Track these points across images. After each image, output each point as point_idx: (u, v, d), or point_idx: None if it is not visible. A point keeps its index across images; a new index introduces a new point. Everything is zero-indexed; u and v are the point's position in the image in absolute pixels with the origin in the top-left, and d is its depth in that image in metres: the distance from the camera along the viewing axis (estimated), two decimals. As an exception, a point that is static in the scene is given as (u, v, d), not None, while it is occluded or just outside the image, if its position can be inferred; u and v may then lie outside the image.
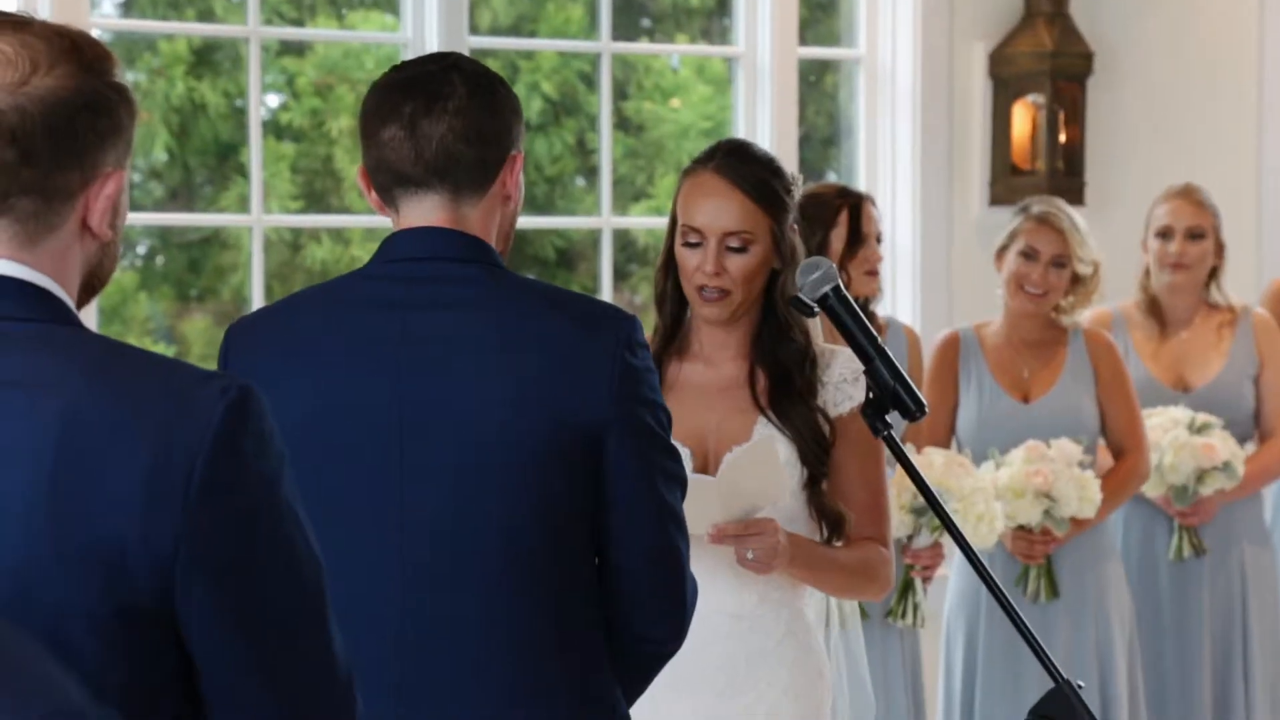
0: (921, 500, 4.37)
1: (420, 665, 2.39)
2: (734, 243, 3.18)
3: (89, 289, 1.82)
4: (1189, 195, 5.09)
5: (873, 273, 4.44)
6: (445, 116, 2.44)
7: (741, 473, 3.10)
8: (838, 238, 4.39)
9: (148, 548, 1.66)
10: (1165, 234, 5.09)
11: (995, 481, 4.59)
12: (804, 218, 4.29)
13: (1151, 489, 4.91)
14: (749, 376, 3.23)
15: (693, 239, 3.21)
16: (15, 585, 1.64)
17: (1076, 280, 4.74)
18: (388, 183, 2.47)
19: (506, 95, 2.50)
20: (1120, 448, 4.77)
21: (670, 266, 3.27)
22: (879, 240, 4.48)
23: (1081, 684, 2.72)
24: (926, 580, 4.52)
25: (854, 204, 4.45)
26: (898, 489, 4.37)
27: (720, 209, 3.18)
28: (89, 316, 4.85)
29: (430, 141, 2.43)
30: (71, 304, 1.77)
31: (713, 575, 3.07)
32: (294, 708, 1.76)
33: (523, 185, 2.55)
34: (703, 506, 3.05)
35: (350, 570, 2.40)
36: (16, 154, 1.73)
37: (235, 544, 1.71)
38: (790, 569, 3.15)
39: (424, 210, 2.47)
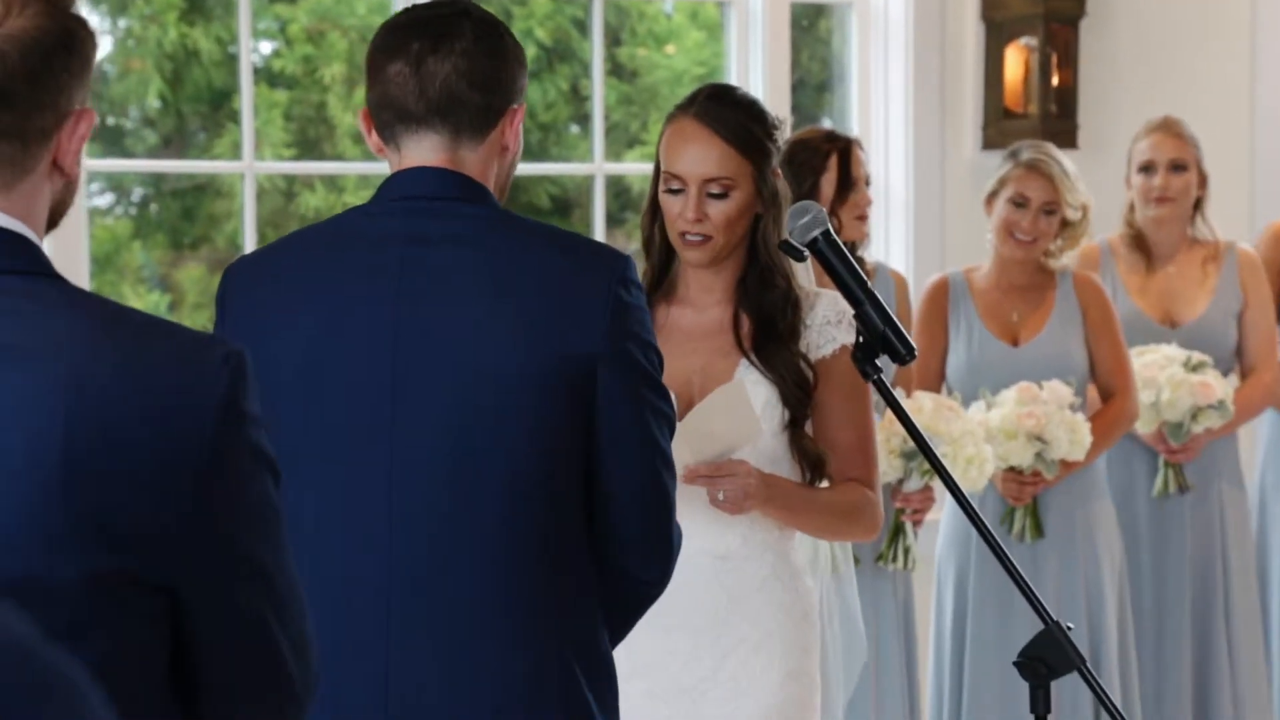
0: (911, 445, 4.38)
1: (412, 599, 2.41)
2: (714, 189, 3.19)
3: (50, 224, 1.81)
4: (1169, 128, 5.09)
5: (862, 217, 4.44)
6: (451, 57, 2.46)
7: (710, 416, 3.11)
8: (828, 183, 4.39)
9: (158, 517, 1.67)
10: (1148, 168, 5.10)
11: (987, 423, 4.61)
12: (793, 163, 4.31)
13: (1144, 425, 4.93)
14: (733, 320, 3.25)
15: (674, 185, 3.22)
16: (16, 542, 1.64)
17: (1066, 225, 4.75)
18: (390, 119, 2.49)
19: (514, 46, 2.52)
20: (1109, 389, 4.79)
21: (656, 212, 3.29)
22: (868, 184, 4.48)
23: (1070, 625, 2.74)
24: (917, 524, 4.54)
25: (843, 148, 4.45)
26: (887, 434, 4.38)
27: (700, 155, 3.19)
28: (81, 265, 4.85)
29: (435, 79, 2.45)
30: (43, 250, 1.76)
31: (695, 517, 3.09)
32: (304, 669, 1.78)
33: (521, 138, 2.57)
34: (674, 449, 3.07)
35: (343, 512, 2.42)
36: None
37: (245, 506, 1.72)
38: (766, 509, 3.16)
39: (424, 150, 2.48)
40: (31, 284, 1.72)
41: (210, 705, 1.76)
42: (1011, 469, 4.67)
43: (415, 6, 2.56)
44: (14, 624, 1.30)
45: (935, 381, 4.83)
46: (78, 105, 1.77)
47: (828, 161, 4.41)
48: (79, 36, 1.75)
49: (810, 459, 3.21)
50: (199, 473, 1.67)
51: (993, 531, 2.78)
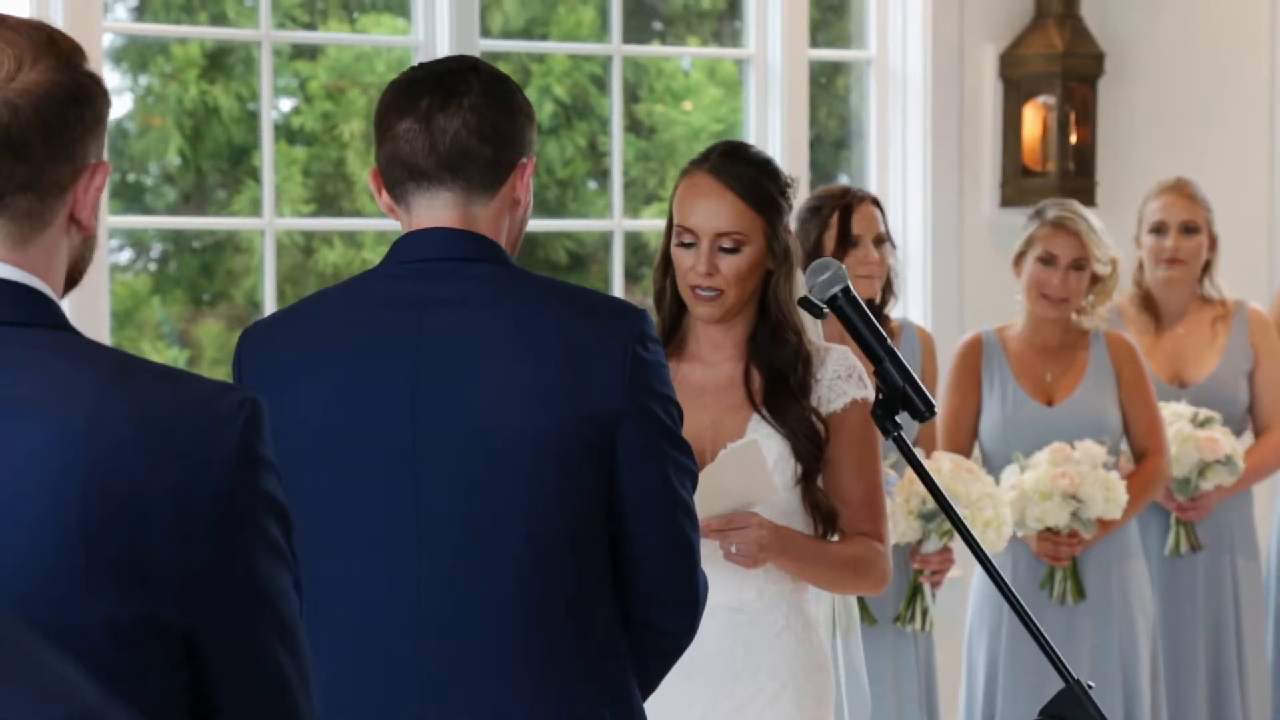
0: (929, 505, 4.37)
1: (441, 661, 2.40)
2: (726, 243, 3.21)
3: (70, 281, 1.82)
4: (1181, 189, 5.09)
5: (869, 275, 4.40)
6: (461, 112, 2.46)
7: (724, 473, 3.12)
8: (829, 239, 4.38)
9: (178, 562, 1.67)
10: (1159, 229, 5.09)
11: (1022, 484, 4.60)
12: (801, 220, 4.31)
13: None
14: (744, 376, 3.26)
15: (686, 239, 3.24)
16: (38, 596, 1.64)
17: (1096, 280, 4.75)
18: (400, 177, 2.49)
19: (522, 101, 2.53)
20: (1142, 449, 4.79)
21: (668, 266, 3.30)
22: (881, 242, 4.44)
23: (1092, 684, 2.73)
24: (935, 585, 4.52)
25: (845, 205, 4.43)
26: (906, 494, 4.37)
27: (713, 210, 3.21)
28: (101, 321, 4.86)
29: (445, 135, 2.46)
30: (60, 305, 1.77)
31: (711, 570, 3.08)
32: (311, 708, 1.78)
33: (532, 192, 2.57)
34: None
35: (369, 568, 2.43)
36: (11, 151, 1.72)
37: (260, 549, 1.72)
38: (779, 561, 3.17)
39: (435, 209, 2.48)
40: (47, 337, 1.72)
41: None
42: (1048, 529, 4.66)
43: (423, 64, 2.56)
44: (86, 688, 1.30)
45: (967, 440, 4.82)
46: (93, 159, 1.78)
47: (831, 218, 4.40)
48: (91, 91, 1.77)
49: (823, 512, 3.22)
50: (215, 517, 1.68)
51: (1015, 593, 2.77)
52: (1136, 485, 4.70)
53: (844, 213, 4.43)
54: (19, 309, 1.73)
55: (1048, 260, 4.72)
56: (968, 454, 4.78)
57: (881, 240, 4.46)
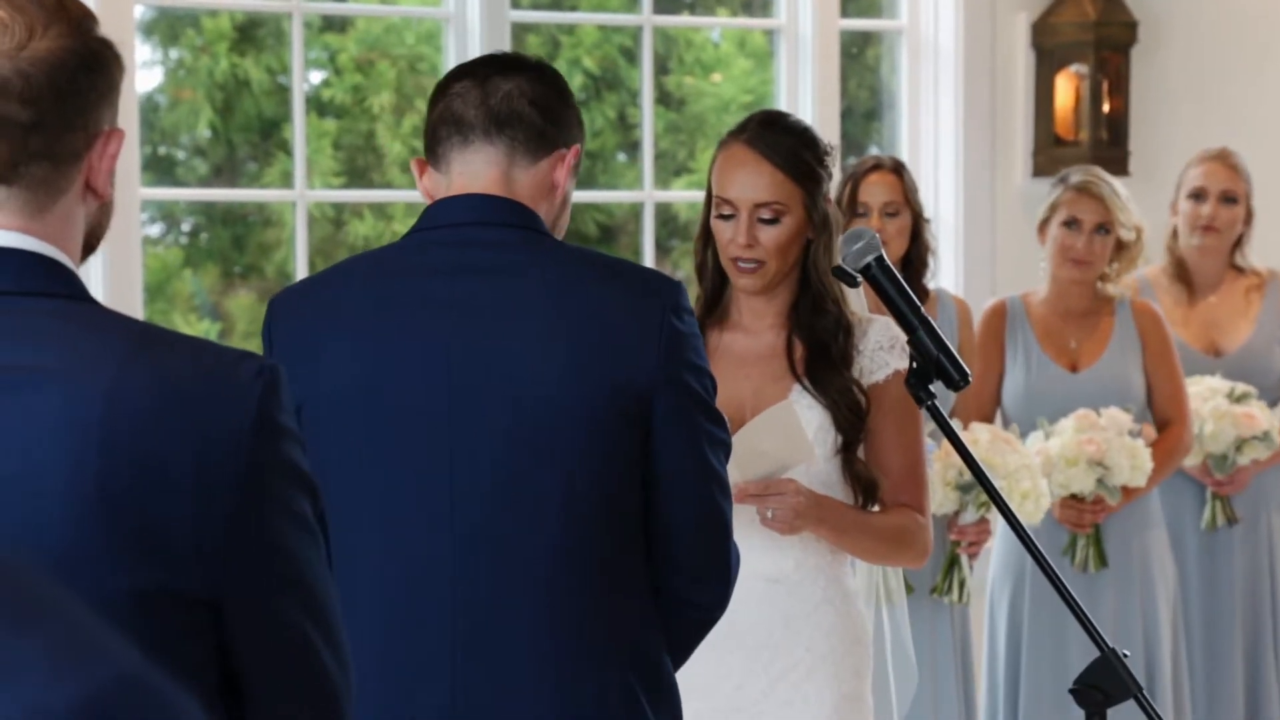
0: (966, 477, 4.37)
1: (473, 629, 2.41)
2: (766, 214, 3.20)
3: (88, 249, 1.81)
4: (1225, 159, 5.08)
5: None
6: (517, 80, 2.51)
7: (760, 435, 3.11)
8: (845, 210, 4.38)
9: (200, 531, 1.67)
10: (1198, 195, 5.07)
11: (1047, 451, 4.59)
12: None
13: (1190, 458, 4.90)
14: (786, 345, 3.25)
15: (726, 211, 3.23)
16: (62, 565, 1.64)
17: (1121, 247, 4.74)
18: (446, 135, 2.51)
19: (572, 97, 2.58)
20: (1166, 418, 4.78)
21: (708, 238, 3.29)
22: (895, 214, 4.44)
23: (1127, 653, 2.72)
24: (973, 557, 4.51)
25: (854, 175, 4.45)
26: (943, 465, 4.36)
27: (751, 181, 3.20)
28: (134, 294, 4.87)
29: (498, 92, 2.49)
30: (78, 274, 1.77)
31: (749, 540, 3.08)
32: (345, 677, 1.78)
33: (572, 187, 2.57)
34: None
35: (402, 536, 2.43)
36: (25, 119, 1.71)
37: (283, 517, 1.72)
38: (816, 529, 3.16)
39: (475, 167, 2.49)
40: (64, 306, 1.72)
41: (254, 714, 1.76)
42: (1071, 496, 4.65)
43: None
44: (127, 652, 1.30)
45: (990, 406, 4.81)
46: (106, 126, 1.76)
47: (842, 190, 4.42)
48: (104, 56, 1.75)
49: (863, 483, 3.21)
50: (237, 485, 1.68)
51: (1051, 563, 2.76)
52: (1160, 454, 4.70)
53: (854, 183, 4.44)
54: (38, 279, 1.72)
55: (1072, 224, 4.72)
56: (991, 420, 4.77)
57: (896, 211, 4.44)
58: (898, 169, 4.51)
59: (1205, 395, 4.90)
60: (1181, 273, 5.14)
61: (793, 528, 3.13)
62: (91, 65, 1.73)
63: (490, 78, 2.50)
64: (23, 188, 1.73)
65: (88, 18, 1.76)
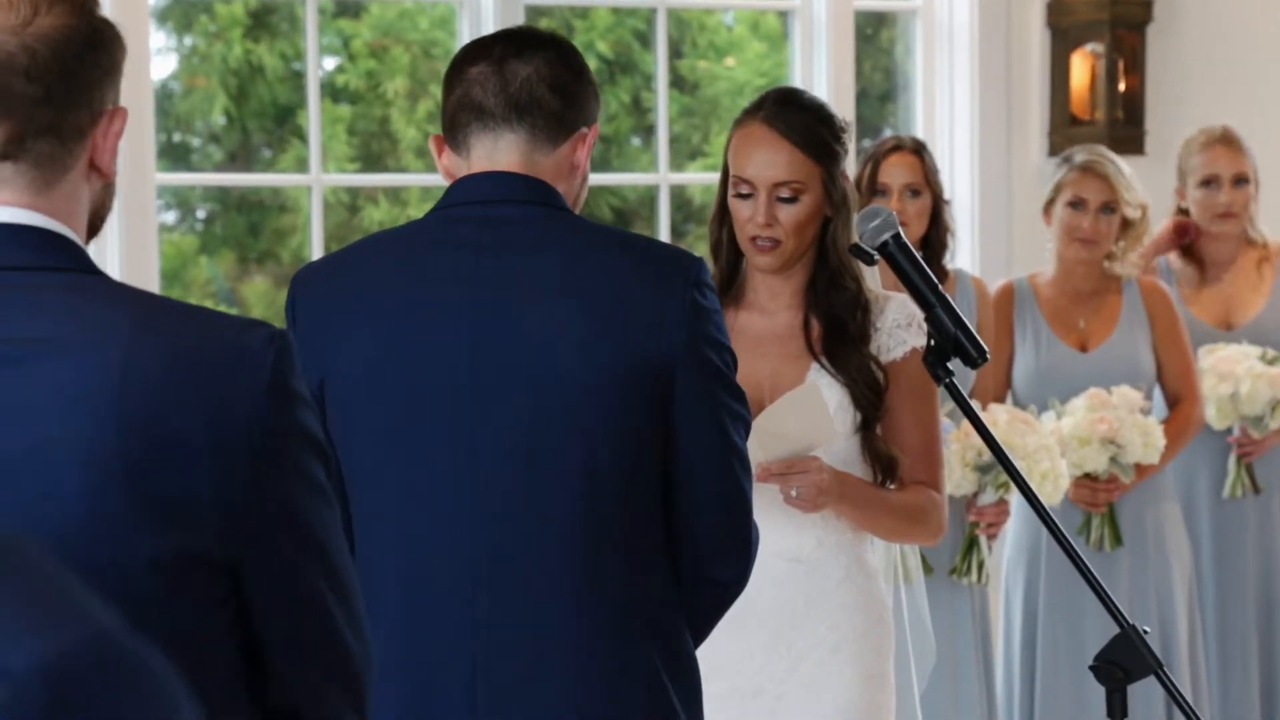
0: (985, 458, 4.36)
1: (496, 596, 2.41)
2: (784, 193, 3.19)
3: (92, 229, 1.82)
4: (1230, 141, 5.05)
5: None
6: (534, 62, 2.49)
7: (783, 417, 3.10)
8: (860, 190, 4.37)
9: (217, 496, 1.68)
10: (1211, 182, 5.05)
11: (1059, 430, 4.59)
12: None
13: (1222, 421, 4.89)
14: (803, 324, 3.25)
15: (744, 190, 3.22)
16: (80, 535, 1.65)
17: (1126, 225, 4.73)
18: (465, 120, 2.50)
19: (590, 75, 2.56)
20: (1176, 396, 4.78)
21: (724, 217, 3.28)
22: (917, 194, 4.44)
23: (1148, 629, 2.71)
24: (991, 538, 4.51)
25: (874, 156, 4.45)
26: (962, 446, 4.35)
27: (769, 159, 3.19)
28: (151, 280, 4.88)
29: (516, 78, 2.48)
30: (86, 250, 1.78)
31: (770, 518, 3.08)
32: (361, 643, 1.79)
33: (589, 166, 2.57)
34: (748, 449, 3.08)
35: (424, 509, 2.43)
36: (33, 94, 1.72)
37: (299, 482, 1.73)
38: (838, 507, 3.16)
39: (497, 151, 2.49)
40: (74, 279, 1.74)
41: (275, 684, 1.77)
42: (1085, 476, 4.64)
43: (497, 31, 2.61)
44: (99, 615, 1.30)
45: (1001, 388, 4.81)
46: (110, 104, 1.78)
47: (863, 170, 4.42)
48: (107, 35, 1.77)
49: (883, 461, 3.21)
50: (250, 451, 1.69)
51: (1072, 543, 2.76)
52: (1171, 431, 4.70)
53: (874, 164, 4.44)
54: (48, 254, 1.74)
55: (1077, 204, 4.72)
56: (1001, 401, 4.77)
57: (917, 191, 4.44)
58: (919, 150, 4.51)
59: (1237, 358, 4.89)
60: (1189, 252, 5.13)
61: (816, 505, 3.13)
62: (95, 43, 1.76)
63: (507, 61, 2.48)
64: (29, 164, 1.74)
65: None
